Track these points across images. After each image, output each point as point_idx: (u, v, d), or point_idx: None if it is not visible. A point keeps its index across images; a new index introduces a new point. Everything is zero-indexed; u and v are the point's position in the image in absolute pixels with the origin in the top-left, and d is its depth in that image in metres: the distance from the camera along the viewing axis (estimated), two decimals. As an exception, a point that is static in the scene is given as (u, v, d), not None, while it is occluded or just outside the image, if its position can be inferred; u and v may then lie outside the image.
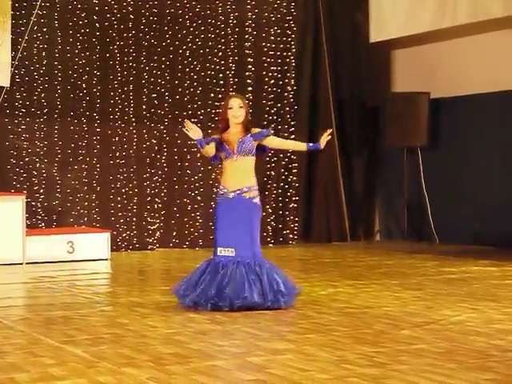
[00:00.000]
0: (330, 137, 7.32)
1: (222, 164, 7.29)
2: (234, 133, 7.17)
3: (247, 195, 7.17)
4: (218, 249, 7.15)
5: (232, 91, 12.66)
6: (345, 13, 13.40)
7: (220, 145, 7.15)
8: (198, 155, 12.39)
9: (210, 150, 7.21)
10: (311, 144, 7.43)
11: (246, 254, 7.08)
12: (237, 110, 7.14)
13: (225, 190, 7.17)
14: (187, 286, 7.14)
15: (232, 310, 6.88)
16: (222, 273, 7.02)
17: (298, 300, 7.39)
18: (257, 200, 7.26)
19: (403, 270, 9.74)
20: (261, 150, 7.31)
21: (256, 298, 6.90)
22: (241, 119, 7.14)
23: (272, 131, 7.60)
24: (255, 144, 7.18)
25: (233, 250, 7.08)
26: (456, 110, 12.42)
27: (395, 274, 9.35)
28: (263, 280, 6.99)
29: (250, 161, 7.19)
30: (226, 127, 7.21)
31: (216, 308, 6.93)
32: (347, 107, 13.48)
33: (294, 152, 12.98)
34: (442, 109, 12.62)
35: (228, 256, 7.07)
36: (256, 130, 7.26)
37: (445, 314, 6.75)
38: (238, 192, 7.13)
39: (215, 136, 7.25)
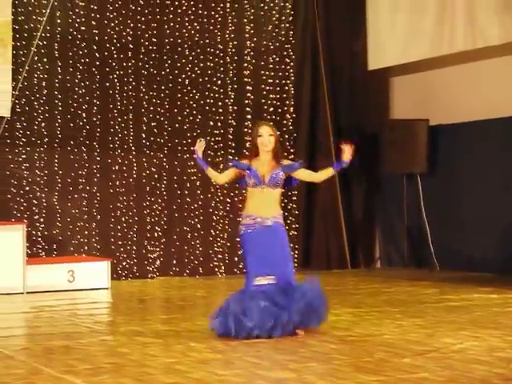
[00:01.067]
0: (351, 148, 7.27)
1: (246, 190, 7.33)
2: (264, 161, 7.20)
3: (280, 221, 7.25)
4: (256, 278, 7.07)
5: (231, 119, 12.71)
6: (343, 41, 13.47)
7: (249, 171, 7.15)
8: (198, 183, 12.43)
9: (217, 177, 7.36)
10: (336, 164, 7.45)
11: (286, 279, 7.08)
12: (266, 137, 7.16)
13: (258, 219, 7.14)
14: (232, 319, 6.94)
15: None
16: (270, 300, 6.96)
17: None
18: (284, 227, 7.34)
19: (404, 298, 9.72)
20: (289, 182, 7.34)
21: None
22: (270, 147, 7.17)
23: (302, 163, 7.54)
24: (284, 176, 7.22)
25: (272, 277, 7.06)
26: (455, 136, 12.45)
27: (396, 302, 9.33)
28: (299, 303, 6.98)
29: (278, 192, 7.26)
30: (256, 154, 7.23)
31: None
32: (346, 134, 13.46)
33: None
34: (440, 135, 12.66)
35: (266, 284, 7.05)
36: (287, 162, 7.31)
37: (446, 342, 6.73)
38: (275, 220, 7.18)
39: (245, 162, 7.25)
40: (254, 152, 7.24)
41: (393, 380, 5.34)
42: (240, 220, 7.37)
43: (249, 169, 7.17)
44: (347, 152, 7.30)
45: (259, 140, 7.18)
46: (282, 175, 7.19)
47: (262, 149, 7.18)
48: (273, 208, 7.20)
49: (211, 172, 7.35)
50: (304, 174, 7.44)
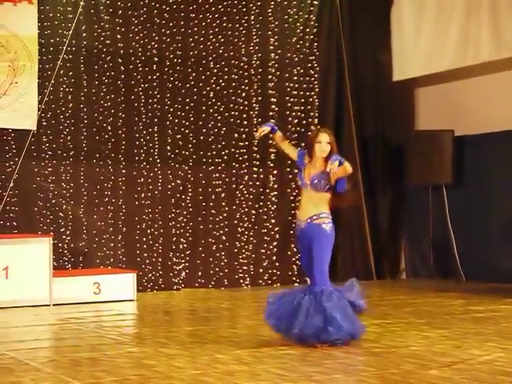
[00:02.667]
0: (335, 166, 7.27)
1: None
2: (317, 166, 7.39)
3: (316, 221, 7.33)
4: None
5: (255, 131, 12.71)
6: (368, 52, 13.46)
7: (299, 170, 7.48)
8: (223, 195, 12.45)
9: (288, 148, 7.75)
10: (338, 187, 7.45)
11: (315, 283, 7.22)
12: (324, 145, 7.38)
13: (299, 221, 7.41)
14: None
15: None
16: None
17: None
18: (325, 226, 7.35)
19: (430, 309, 9.68)
20: (336, 187, 7.40)
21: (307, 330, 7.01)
22: (325, 154, 7.35)
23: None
24: (328, 182, 7.33)
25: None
26: (480, 147, 12.39)
27: (422, 313, 9.29)
28: (326, 312, 7.04)
29: (324, 196, 7.37)
30: (311, 157, 7.43)
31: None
32: (371, 146, 13.51)
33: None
34: (466, 146, 12.61)
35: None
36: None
37: (473, 353, 6.69)
38: (309, 220, 7.34)
39: (305, 160, 7.45)
40: (311, 156, 7.42)
41: (419, 392, 5.32)
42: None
43: (299, 169, 7.48)
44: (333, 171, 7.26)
45: (317, 146, 7.38)
46: (324, 181, 7.32)
47: (319, 155, 7.38)
48: (313, 209, 7.33)
49: (277, 137, 7.82)
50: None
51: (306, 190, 7.39)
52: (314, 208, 7.33)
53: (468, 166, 12.62)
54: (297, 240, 7.56)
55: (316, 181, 7.32)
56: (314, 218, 7.32)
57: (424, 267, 13.26)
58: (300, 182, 7.46)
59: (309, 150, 7.46)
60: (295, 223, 7.64)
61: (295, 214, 12.67)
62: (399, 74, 13.21)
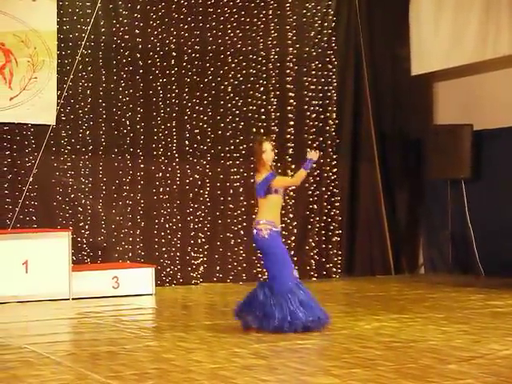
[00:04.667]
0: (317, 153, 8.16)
1: (265, 198, 7.90)
2: (264, 174, 7.92)
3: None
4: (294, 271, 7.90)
5: (274, 126, 12.73)
6: (386, 46, 13.42)
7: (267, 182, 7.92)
8: (241, 189, 12.46)
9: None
10: (305, 165, 8.02)
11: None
12: (270, 152, 7.97)
13: (277, 228, 7.91)
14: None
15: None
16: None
17: (343, 334, 7.39)
18: None
19: (448, 304, 9.66)
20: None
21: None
22: (272, 160, 8.03)
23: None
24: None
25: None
26: (499, 141, 12.33)
27: (440, 308, 9.27)
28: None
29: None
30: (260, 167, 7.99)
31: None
32: (389, 140, 13.47)
33: (335, 185, 13.00)
34: (485, 141, 12.55)
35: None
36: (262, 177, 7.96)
37: (492, 348, 6.67)
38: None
39: (268, 172, 7.97)
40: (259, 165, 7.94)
41: (438, 386, 5.31)
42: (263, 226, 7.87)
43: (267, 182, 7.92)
44: (313, 153, 8.06)
45: (264, 155, 7.90)
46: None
47: (267, 163, 7.91)
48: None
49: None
50: (280, 182, 8.04)
51: (278, 197, 7.92)
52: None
53: (487, 161, 12.57)
54: (278, 240, 7.90)
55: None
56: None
57: (442, 262, 13.22)
58: (272, 192, 7.87)
59: (258, 160, 7.90)
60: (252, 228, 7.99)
61: (312, 208, 12.82)
62: (418, 68, 13.16)
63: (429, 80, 13.56)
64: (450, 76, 13.22)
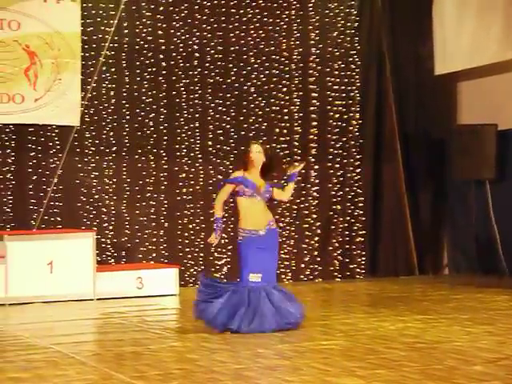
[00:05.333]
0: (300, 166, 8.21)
1: (236, 199, 8.09)
2: (256, 175, 8.01)
3: (274, 226, 8.11)
4: (250, 275, 7.89)
5: (297, 126, 12.72)
6: (409, 46, 13.37)
7: (245, 181, 7.96)
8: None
9: (222, 199, 8.28)
10: (290, 178, 8.15)
11: (271, 279, 7.96)
12: (257, 154, 8.01)
13: (254, 232, 7.97)
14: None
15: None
16: (252, 296, 7.77)
17: (367, 335, 7.38)
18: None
19: (473, 305, 9.61)
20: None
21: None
22: (261, 162, 8.03)
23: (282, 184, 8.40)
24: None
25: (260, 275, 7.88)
26: (524, 141, 12.26)
27: (465, 309, 9.23)
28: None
29: (265, 203, 8.08)
30: (246, 169, 8.03)
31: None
32: (413, 140, 13.42)
33: (359, 186, 12.98)
34: (509, 140, 12.47)
35: (257, 281, 7.85)
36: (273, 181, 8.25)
37: (517, 349, 6.64)
38: (268, 227, 8.03)
39: (237, 174, 8.04)
40: (246, 166, 8.04)
41: (463, 387, 5.29)
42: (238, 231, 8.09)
43: (243, 180, 7.95)
44: (298, 166, 8.17)
45: (251, 155, 8.00)
46: (270, 192, 8.08)
47: (256, 164, 8.00)
48: (266, 216, 8.06)
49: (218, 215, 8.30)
50: (276, 192, 8.17)
51: (252, 201, 7.96)
52: (267, 214, 8.06)
53: (511, 161, 12.48)
54: (251, 244, 7.95)
55: (266, 191, 8.01)
56: (271, 223, 8.06)
57: (467, 263, 13.15)
58: (249, 191, 7.94)
59: (246, 162, 8.00)
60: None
61: (335, 209, 12.80)
62: (441, 67, 13.10)
63: (452, 80, 13.50)
64: (473, 75, 13.15)
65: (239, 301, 7.75)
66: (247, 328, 7.60)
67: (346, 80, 13.03)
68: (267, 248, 7.99)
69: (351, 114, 13.03)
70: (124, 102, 11.88)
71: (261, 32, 12.56)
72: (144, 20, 11.98)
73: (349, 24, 13.05)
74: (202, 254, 12.12)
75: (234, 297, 7.78)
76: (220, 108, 12.34)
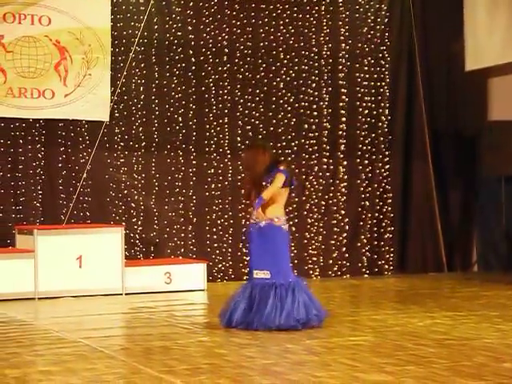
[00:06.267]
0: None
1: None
2: None
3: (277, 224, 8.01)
4: (254, 271, 7.82)
5: (326, 122, 12.68)
6: (440, 42, 13.27)
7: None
8: (292, 186, 12.40)
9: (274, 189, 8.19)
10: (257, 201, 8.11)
11: (278, 276, 7.72)
12: None
13: (257, 220, 8.03)
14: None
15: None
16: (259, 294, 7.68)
17: (395, 331, 7.35)
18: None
19: (503, 302, 9.54)
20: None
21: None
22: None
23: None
24: None
25: (267, 272, 7.75)
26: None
27: (494, 306, 9.17)
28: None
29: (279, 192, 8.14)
30: None
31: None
32: (443, 137, 13.33)
33: (388, 182, 12.92)
34: (540, 137, 12.36)
35: (262, 278, 7.72)
36: (282, 167, 8.25)
37: (548, 346, 6.58)
38: (269, 221, 7.99)
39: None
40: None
41: (493, 385, 5.25)
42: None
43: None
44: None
45: None
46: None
47: None
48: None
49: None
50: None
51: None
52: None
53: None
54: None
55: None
56: (276, 220, 8.09)
57: (496, 260, 13.06)
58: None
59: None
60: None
61: (364, 205, 12.76)
62: (472, 63, 12.98)
63: (483, 76, 13.38)
64: (504, 71, 13.04)
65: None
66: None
67: (376, 76, 12.97)
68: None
69: (380, 110, 12.97)
70: (153, 97, 11.91)
71: (290, 28, 12.53)
72: (174, 15, 12.00)
73: (379, 20, 12.99)
74: (230, 250, 12.13)
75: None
76: (249, 104, 12.34)
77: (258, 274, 7.75)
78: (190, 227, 12.01)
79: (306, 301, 7.61)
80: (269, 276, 7.71)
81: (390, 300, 9.97)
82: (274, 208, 8.03)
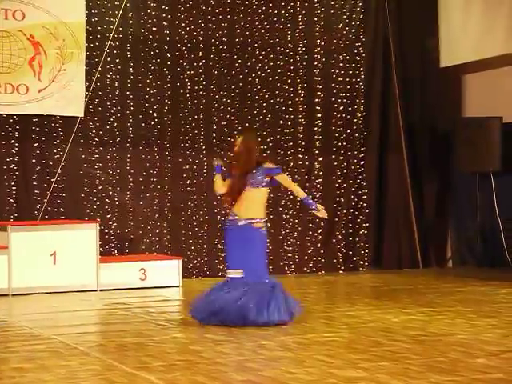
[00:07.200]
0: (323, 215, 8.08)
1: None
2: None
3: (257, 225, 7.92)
4: (228, 271, 7.85)
5: (301, 118, 12.69)
6: (415, 38, 13.33)
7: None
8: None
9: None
10: (310, 200, 8.14)
11: (253, 276, 7.69)
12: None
13: (236, 217, 7.90)
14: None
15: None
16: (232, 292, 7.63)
17: (370, 327, 7.37)
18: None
19: (477, 297, 9.59)
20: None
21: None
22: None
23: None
24: (267, 178, 7.96)
25: (241, 271, 7.72)
26: (529, 134, 12.22)
27: (469, 301, 9.22)
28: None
29: (263, 192, 8.01)
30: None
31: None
32: (418, 133, 13.39)
33: (363, 178, 12.95)
34: (514, 133, 12.44)
35: (236, 277, 7.70)
36: (269, 165, 7.98)
37: (521, 342, 6.62)
38: (249, 221, 7.88)
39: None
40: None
41: (467, 380, 5.27)
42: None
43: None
44: (322, 212, 8.06)
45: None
46: (263, 176, 7.97)
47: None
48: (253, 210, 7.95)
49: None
50: (284, 180, 8.21)
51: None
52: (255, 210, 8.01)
53: (516, 154, 12.45)
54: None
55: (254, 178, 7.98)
56: (257, 221, 7.96)
57: (471, 255, 13.13)
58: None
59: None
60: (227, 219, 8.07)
61: (339, 201, 12.78)
62: (447, 59, 13.04)
63: (458, 72, 13.45)
64: (479, 68, 13.11)
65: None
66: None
67: (351, 72, 12.99)
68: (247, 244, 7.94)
69: (356, 106, 12.99)
70: (128, 92, 11.86)
71: (266, 23, 12.52)
72: (149, 11, 11.95)
73: (354, 16, 13.00)
74: (205, 246, 12.11)
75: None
76: (224, 100, 12.32)
77: (232, 274, 7.76)
78: (165, 223, 11.97)
79: (280, 303, 7.60)
80: (243, 275, 7.69)
81: (365, 296, 10.00)
82: (255, 209, 7.96)
